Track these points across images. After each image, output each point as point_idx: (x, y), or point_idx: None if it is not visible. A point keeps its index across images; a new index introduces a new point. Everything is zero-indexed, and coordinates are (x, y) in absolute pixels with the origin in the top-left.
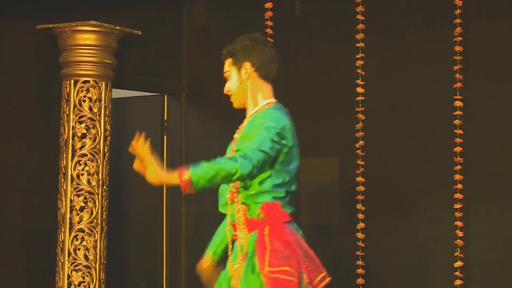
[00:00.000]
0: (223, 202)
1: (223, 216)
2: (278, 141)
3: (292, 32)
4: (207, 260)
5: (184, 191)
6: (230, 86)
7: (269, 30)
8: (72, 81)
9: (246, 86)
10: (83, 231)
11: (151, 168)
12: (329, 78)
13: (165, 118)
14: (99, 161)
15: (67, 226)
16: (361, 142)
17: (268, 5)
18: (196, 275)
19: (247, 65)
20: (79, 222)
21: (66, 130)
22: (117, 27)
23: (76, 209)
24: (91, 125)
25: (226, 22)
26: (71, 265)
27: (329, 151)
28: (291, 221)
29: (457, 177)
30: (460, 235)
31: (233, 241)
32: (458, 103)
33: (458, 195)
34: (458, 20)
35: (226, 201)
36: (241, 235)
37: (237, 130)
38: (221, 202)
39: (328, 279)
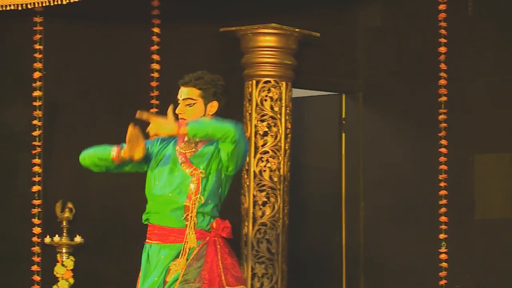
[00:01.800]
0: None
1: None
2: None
3: (464, 33)
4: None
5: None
6: (191, 114)
7: (442, 31)
8: (254, 81)
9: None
10: (266, 225)
11: (157, 121)
12: (495, 78)
13: (343, 116)
14: (280, 158)
15: (250, 220)
16: None
17: (442, 7)
18: (375, 267)
19: (215, 104)
20: (261, 217)
21: (249, 128)
22: (297, 29)
23: (258, 204)
24: (273, 124)
25: (401, 23)
26: (254, 257)
27: (502, 148)
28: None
29: None
30: None
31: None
32: None
33: None
34: None
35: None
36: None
37: (181, 146)
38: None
39: None
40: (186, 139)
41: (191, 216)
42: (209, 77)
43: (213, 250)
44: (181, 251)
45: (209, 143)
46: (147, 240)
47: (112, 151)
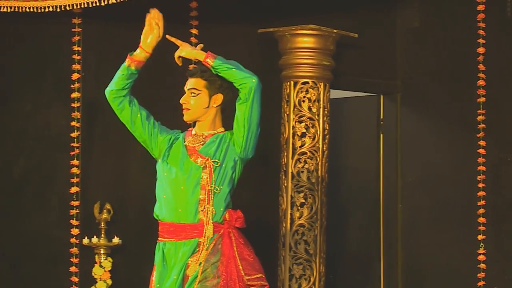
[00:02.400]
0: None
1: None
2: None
3: (503, 34)
4: None
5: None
6: (194, 104)
7: (481, 32)
8: (292, 82)
9: (209, 111)
10: (304, 226)
11: (185, 45)
12: None
13: (381, 117)
14: (318, 159)
15: (288, 221)
16: None
17: (481, 7)
18: (413, 268)
19: (220, 97)
20: (299, 218)
21: (287, 129)
22: (335, 30)
23: (296, 205)
24: (311, 125)
25: (439, 24)
26: (292, 258)
27: None
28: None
29: None
30: None
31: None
32: None
33: None
34: None
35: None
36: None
37: (189, 140)
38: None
39: None
40: (193, 132)
41: (207, 208)
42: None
43: (229, 242)
44: (199, 246)
45: (217, 135)
46: (160, 238)
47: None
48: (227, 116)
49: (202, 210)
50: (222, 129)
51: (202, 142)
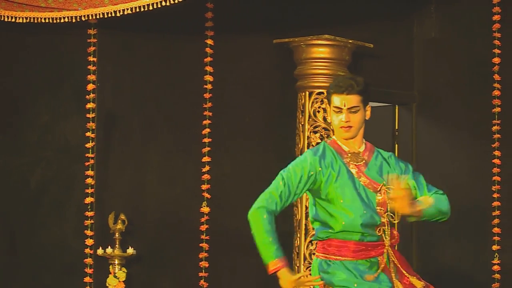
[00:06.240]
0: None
1: None
2: None
3: None
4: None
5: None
6: (357, 121)
7: (497, 42)
8: (307, 92)
9: (363, 126)
10: None
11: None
12: None
13: (397, 127)
14: None
15: (303, 232)
16: None
17: (496, 17)
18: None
19: (369, 109)
20: (313, 228)
21: (302, 139)
22: (350, 41)
23: None
24: (325, 135)
25: (455, 34)
26: (306, 269)
27: None
28: None
29: None
30: None
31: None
32: None
33: None
34: None
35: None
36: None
37: (351, 158)
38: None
39: None
40: (347, 149)
41: (384, 229)
42: (360, 79)
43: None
44: (380, 265)
45: (372, 152)
46: (337, 257)
47: (271, 258)
48: None
49: (378, 230)
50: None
51: (365, 161)
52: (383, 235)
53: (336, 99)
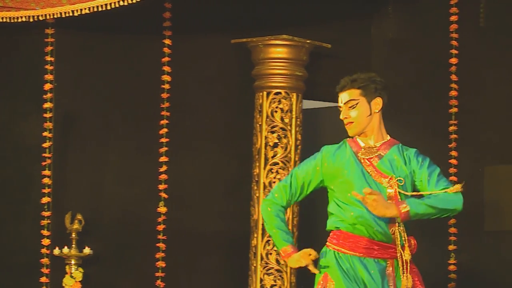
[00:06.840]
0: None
1: None
2: None
3: (476, 44)
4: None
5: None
6: (355, 116)
7: (454, 42)
8: (265, 92)
9: (373, 119)
10: None
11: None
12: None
13: None
14: (290, 170)
15: (260, 231)
16: None
17: (454, 18)
18: None
19: (379, 101)
20: None
21: (259, 139)
22: (308, 41)
23: None
24: (283, 135)
25: (413, 35)
26: (263, 268)
27: None
28: None
29: None
30: None
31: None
32: None
33: None
34: None
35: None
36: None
37: (363, 153)
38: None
39: None
40: (363, 145)
41: (397, 231)
42: (365, 75)
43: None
44: (395, 267)
45: (391, 147)
46: (342, 250)
47: (283, 244)
48: None
49: (391, 230)
50: (389, 137)
51: (378, 155)
52: (396, 237)
53: (338, 99)
